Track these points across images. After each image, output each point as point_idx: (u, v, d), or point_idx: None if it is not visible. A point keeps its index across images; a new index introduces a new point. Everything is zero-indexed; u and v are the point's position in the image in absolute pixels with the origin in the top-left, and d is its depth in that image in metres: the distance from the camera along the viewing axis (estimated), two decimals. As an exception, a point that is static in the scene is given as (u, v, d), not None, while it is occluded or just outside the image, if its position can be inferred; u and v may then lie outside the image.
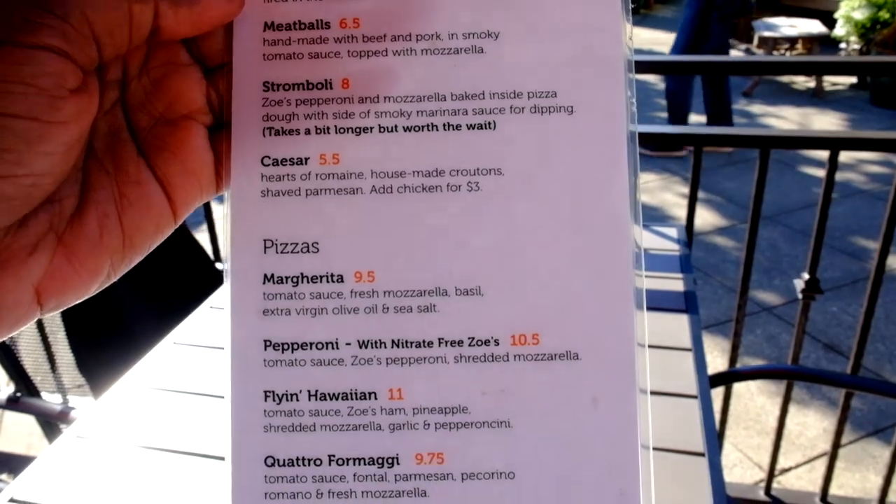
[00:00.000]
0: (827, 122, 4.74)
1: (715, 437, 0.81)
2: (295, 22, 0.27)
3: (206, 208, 1.64)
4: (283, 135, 0.27)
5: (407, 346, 0.26)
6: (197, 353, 1.01)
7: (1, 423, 1.89)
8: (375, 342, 0.26)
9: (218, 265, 1.55)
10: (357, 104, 0.27)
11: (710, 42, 3.70)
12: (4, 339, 0.23)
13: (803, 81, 5.50)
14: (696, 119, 4.85)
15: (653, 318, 1.05)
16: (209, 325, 1.09)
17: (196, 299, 1.16)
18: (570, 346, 0.26)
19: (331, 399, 0.26)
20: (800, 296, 1.44)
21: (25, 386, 1.32)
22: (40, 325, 1.35)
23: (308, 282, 0.27)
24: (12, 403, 1.33)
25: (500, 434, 0.26)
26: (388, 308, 0.26)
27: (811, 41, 5.52)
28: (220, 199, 0.28)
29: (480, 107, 0.27)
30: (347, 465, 0.26)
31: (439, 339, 0.26)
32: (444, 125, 0.27)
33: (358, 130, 0.27)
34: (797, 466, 1.91)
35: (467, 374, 0.26)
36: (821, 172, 1.34)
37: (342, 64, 0.27)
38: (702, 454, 0.78)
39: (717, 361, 2.23)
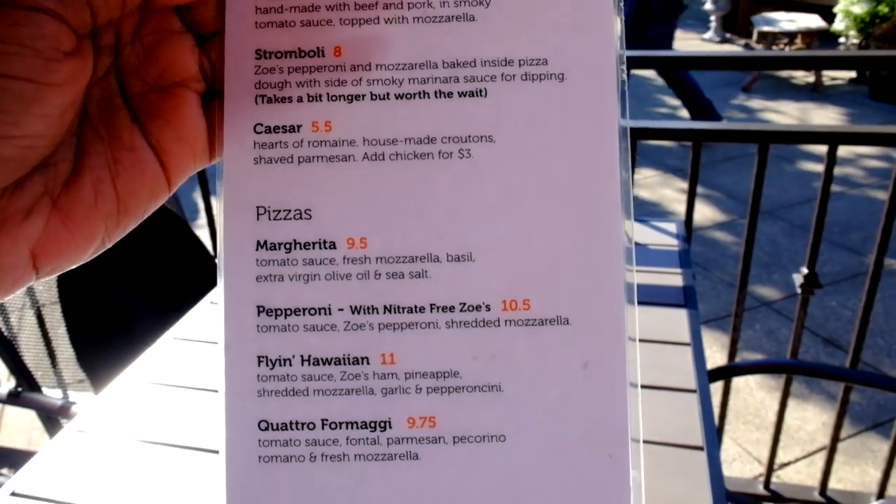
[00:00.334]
0: (826, 116, 4.74)
1: (714, 432, 0.81)
2: None
3: (207, 206, 1.64)
4: (275, 102, 0.27)
5: (399, 312, 0.27)
6: (197, 348, 1.01)
7: (2, 417, 1.90)
8: (368, 308, 0.27)
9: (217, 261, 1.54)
10: (349, 72, 0.27)
11: (656, 44, 3.71)
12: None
13: (802, 76, 5.50)
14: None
15: (652, 312, 1.05)
16: (209, 320, 1.09)
17: (196, 295, 1.16)
18: (560, 311, 0.26)
19: (324, 364, 0.26)
20: (799, 290, 1.44)
21: (26, 381, 1.33)
22: (41, 321, 1.35)
23: (301, 248, 0.27)
24: (13, 398, 1.33)
25: (491, 398, 0.26)
26: (380, 274, 0.27)
27: (810, 36, 5.52)
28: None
29: (472, 74, 0.27)
30: (340, 428, 0.26)
31: (431, 305, 0.27)
32: (435, 92, 0.27)
33: (350, 98, 0.27)
34: (796, 461, 1.91)
35: (459, 339, 0.26)
36: (820, 167, 1.34)
37: (334, 31, 0.27)
38: (701, 448, 0.79)
39: (716, 356, 2.23)
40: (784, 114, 4.81)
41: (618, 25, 0.27)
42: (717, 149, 3.98)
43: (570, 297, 0.26)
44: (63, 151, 0.24)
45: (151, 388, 0.92)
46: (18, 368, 1.32)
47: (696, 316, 1.05)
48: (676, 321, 1.03)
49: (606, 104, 0.27)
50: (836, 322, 2.50)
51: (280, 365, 0.26)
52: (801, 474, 1.87)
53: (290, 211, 0.27)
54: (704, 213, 3.32)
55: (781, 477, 1.86)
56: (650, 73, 5.28)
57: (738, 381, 2.16)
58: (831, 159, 1.32)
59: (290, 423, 0.26)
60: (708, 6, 6.78)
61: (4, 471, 1.83)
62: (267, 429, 0.26)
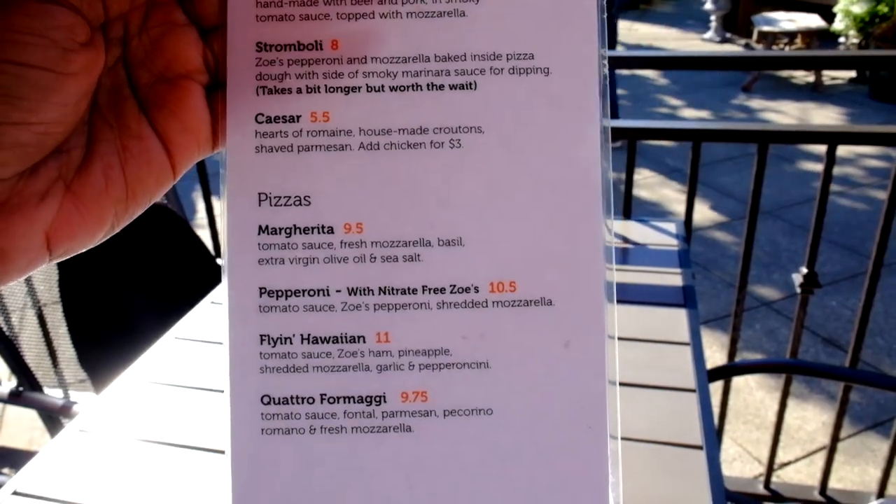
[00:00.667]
0: (826, 116, 4.75)
1: (713, 431, 0.81)
2: None
3: (208, 205, 1.64)
4: (276, 93, 0.28)
5: (393, 293, 0.28)
6: (198, 348, 1.02)
7: (3, 417, 1.90)
8: (364, 289, 0.28)
9: (218, 261, 1.55)
10: (346, 64, 0.28)
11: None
12: (13, 282, 0.25)
13: (802, 76, 5.50)
14: (693, 114, 4.86)
15: (651, 312, 1.06)
16: (211, 320, 1.09)
17: (197, 294, 1.16)
18: (544, 293, 0.28)
19: (322, 342, 0.28)
20: (798, 290, 1.45)
21: (27, 380, 1.33)
22: (42, 320, 1.35)
23: (300, 233, 0.28)
24: (14, 398, 1.34)
25: (479, 374, 0.28)
26: (375, 257, 0.28)
27: (810, 35, 5.52)
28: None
29: (462, 68, 0.28)
30: (338, 402, 0.28)
31: (423, 287, 0.28)
32: (427, 85, 0.28)
33: (347, 90, 0.28)
34: (796, 460, 1.92)
35: (449, 318, 0.28)
36: (819, 167, 1.34)
37: (331, 25, 0.28)
38: (700, 448, 0.79)
39: (716, 356, 2.23)
40: (784, 113, 4.82)
41: (599, 22, 0.28)
42: (717, 148, 3.98)
43: (553, 280, 0.28)
44: (76, 138, 0.25)
45: (152, 387, 0.92)
46: (20, 368, 1.32)
47: (696, 316, 1.05)
48: (676, 321, 1.04)
49: (588, 98, 0.28)
50: (836, 322, 2.51)
51: (281, 343, 0.28)
52: (801, 474, 1.87)
53: (290, 197, 0.28)
54: (704, 213, 3.32)
55: (781, 476, 1.86)
56: (650, 73, 5.29)
57: (737, 381, 2.17)
58: (831, 159, 1.32)
59: (291, 397, 0.28)
60: (708, 6, 6.78)
61: (6, 470, 1.83)
62: (269, 403, 0.28)
